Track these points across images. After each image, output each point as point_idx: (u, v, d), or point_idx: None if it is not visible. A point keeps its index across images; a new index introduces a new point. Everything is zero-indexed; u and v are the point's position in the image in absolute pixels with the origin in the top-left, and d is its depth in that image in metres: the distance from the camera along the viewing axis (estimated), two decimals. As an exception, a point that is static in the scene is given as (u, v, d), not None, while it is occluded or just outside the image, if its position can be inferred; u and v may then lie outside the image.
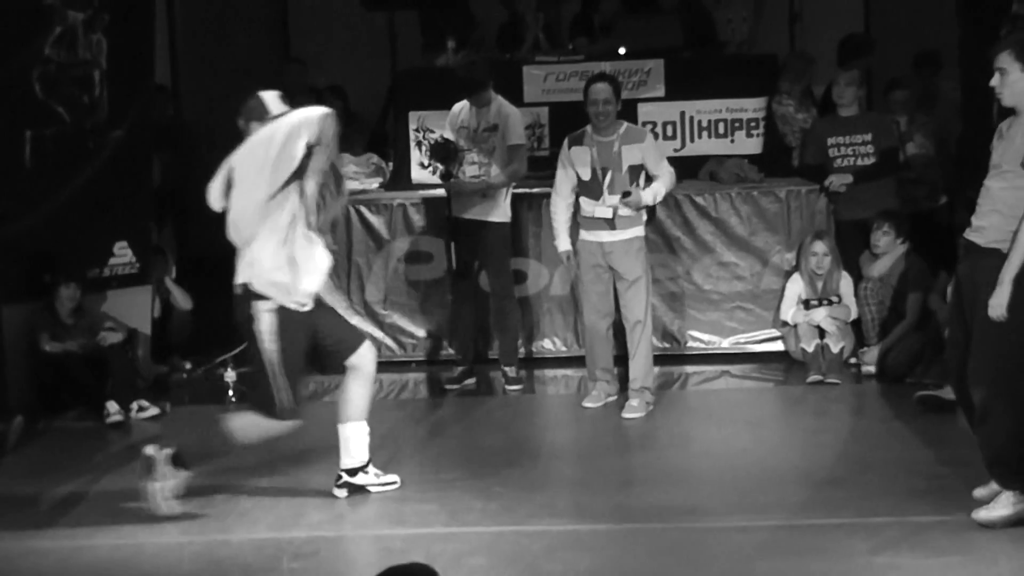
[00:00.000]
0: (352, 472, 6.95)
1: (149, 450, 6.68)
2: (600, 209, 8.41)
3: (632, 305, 8.45)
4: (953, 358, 6.45)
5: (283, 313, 6.55)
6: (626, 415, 8.39)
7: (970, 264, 6.29)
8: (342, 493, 6.94)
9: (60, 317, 8.87)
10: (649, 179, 8.47)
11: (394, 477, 7.08)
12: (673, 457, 7.57)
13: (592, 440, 8.09)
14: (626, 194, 8.32)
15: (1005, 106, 6.31)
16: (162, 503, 6.63)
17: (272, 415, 6.64)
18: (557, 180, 8.62)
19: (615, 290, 8.52)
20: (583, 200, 8.49)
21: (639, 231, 8.47)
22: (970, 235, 6.30)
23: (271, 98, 6.73)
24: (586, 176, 8.42)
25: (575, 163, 8.46)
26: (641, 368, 8.47)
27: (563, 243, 8.61)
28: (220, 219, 6.68)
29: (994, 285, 6.09)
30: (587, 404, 8.67)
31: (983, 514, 6.27)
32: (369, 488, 6.97)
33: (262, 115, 6.64)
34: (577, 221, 8.59)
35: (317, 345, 6.77)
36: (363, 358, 6.89)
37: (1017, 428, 6.24)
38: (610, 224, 8.39)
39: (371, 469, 7.00)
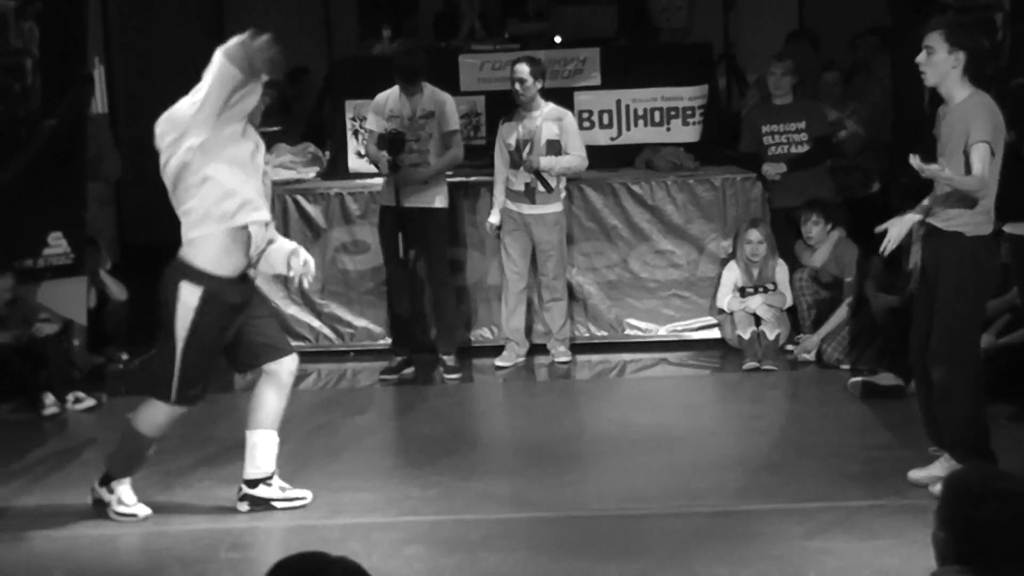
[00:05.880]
0: (253, 483, 6.54)
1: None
2: (520, 177, 9.22)
3: (551, 272, 9.37)
4: (917, 343, 6.55)
5: (207, 295, 6.21)
6: (559, 360, 9.39)
7: (933, 248, 6.41)
8: (243, 507, 6.55)
9: (-6, 308, 8.79)
10: None
11: (303, 493, 6.66)
12: (610, 444, 7.60)
13: (530, 428, 8.11)
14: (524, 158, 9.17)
15: (928, 85, 6.46)
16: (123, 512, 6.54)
17: (164, 399, 6.35)
18: (495, 159, 9.42)
19: (534, 258, 9.43)
20: (509, 172, 9.32)
21: (557, 207, 9.33)
22: (932, 220, 6.42)
23: None
24: (512, 147, 9.25)
25: (505, 138, 9.31)
26: (559, 322, 9.41)
27: (494, 216, 9.43)
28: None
29: (955, 267, 6.29)
30: (499, 363, 9.42)
31: (915, 473, 6.42)
32: (273, 503, 6.56)
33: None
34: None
35: (241, 338, 6.45)
36: (285, 367, 6.54)
37: (975, 407, 6.37)
38: (530, 197, 9.25)
39: (275, 482, 6.59)
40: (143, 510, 6.55)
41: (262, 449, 6.54)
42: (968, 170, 6.20)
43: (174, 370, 6.29)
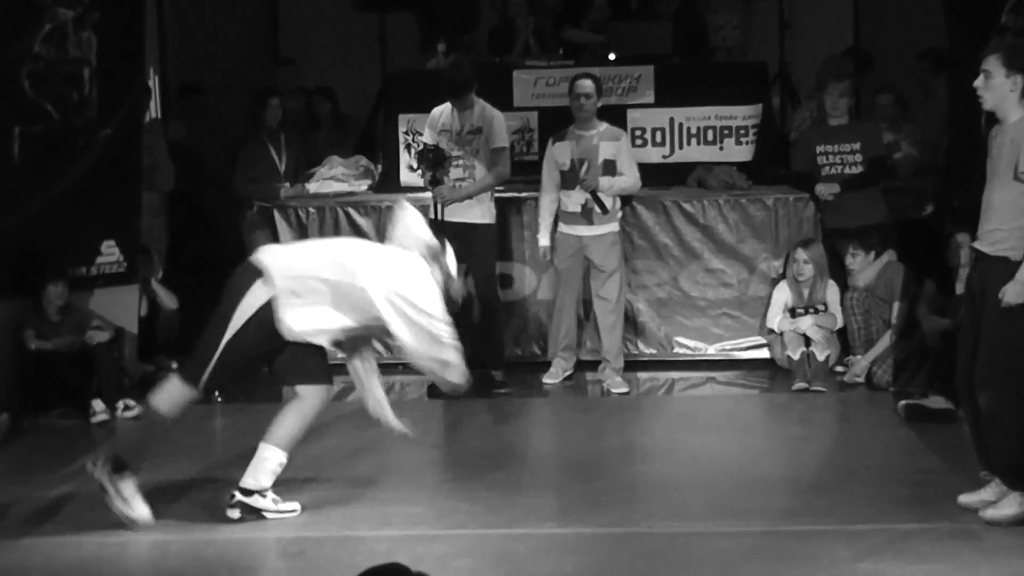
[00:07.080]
0: (248, 492, 6.59)
1: (88, 467, 6.55)
2: (575, 198, 9.14)
3: (610, 293, 9.23)
4: (964, 368, 6.50)
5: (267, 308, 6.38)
6: (616, 390, 9.18)
7: (980, 272, 6.40)
8: (234, 514, 6.57)
9: (47, 315, 8.85)
10: None
11: (294, 505, 6.70)
12: (658, 462, 7.58)
13: (577, 444, 8.10)
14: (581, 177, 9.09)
15: (986, 109, 6.45)
16: (125, 510, 6.49)
17: (193, 385, 6.50)
18: (543, 178, 9.32)
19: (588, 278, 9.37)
20: (562, 194, 9.22)
21: (614, 227, 9.23)
22: (979, 245, 6.40)
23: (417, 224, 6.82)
24: (565, 167, 9.15)
25: (557, 157, 9.20)
26: (616, 347, 9.29)
27: (544, 238, 9.36)
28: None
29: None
30: (547, 380, 9.41)
31: (990, 513, 6.38)
32: (265, 513, 6.60)
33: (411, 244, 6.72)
34: (558, 216, 9.31)
35: (284, 351, 6.55)
36: (316, 396, 6.62)
37: None
38: (587, 219, 9.15)
39: (270, 495, 6.63)
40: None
41: (268, 465, 6.59)
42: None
43: (211, 358, 6.42)
